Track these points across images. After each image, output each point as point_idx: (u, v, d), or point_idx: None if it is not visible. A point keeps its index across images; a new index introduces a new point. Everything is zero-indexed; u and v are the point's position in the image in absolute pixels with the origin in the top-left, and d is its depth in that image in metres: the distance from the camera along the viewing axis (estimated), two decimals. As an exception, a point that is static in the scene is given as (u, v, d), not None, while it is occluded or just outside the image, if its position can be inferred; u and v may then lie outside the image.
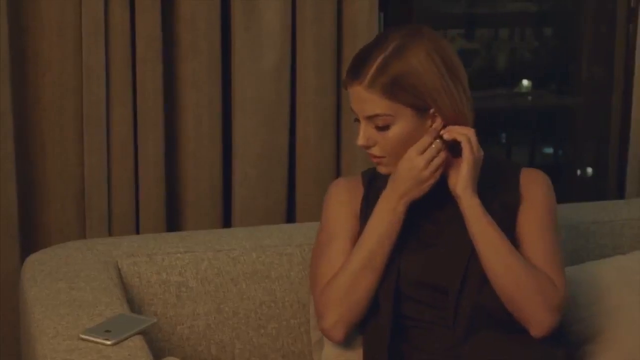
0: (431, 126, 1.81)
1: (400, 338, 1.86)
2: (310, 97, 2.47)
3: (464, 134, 1.79)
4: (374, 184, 1.95)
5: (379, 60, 1.77)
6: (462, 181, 1.80)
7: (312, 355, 2.04)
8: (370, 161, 1.88)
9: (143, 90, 2.35)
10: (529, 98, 3.82)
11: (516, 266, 1.79)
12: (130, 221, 2.40)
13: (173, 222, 2.46)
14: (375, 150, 1.83)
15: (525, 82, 3.80)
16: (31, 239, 2.36)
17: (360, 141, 1.82)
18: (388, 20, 2.61)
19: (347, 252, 1.88)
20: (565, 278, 1.84)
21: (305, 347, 2.07)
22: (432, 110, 1.79)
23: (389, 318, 1.84)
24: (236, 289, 2.06)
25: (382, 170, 1.86)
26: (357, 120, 1.84)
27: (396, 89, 1.77)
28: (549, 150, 4.02)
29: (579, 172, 3.54)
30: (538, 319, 1.80)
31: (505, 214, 1.86)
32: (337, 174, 2.53)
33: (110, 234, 2.38)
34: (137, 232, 2.41)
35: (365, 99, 1.79)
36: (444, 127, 1.81)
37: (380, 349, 1.85)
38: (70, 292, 1.84)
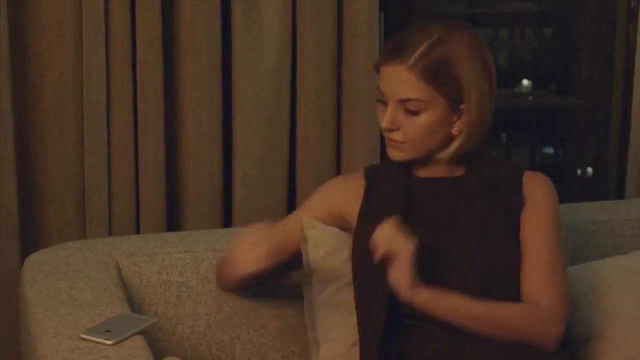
0: (456, 122, 1.81)
1: (400, 337, 1.86)
2: (310, 97, 2.46)
3: (378, 247, 1.75)
4: (376, 181, 1.95)
5: (424, 44, 1.78)
6: (401, 285, 1.75)
7: (311, 355, 2.04)
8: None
9: (143, 91, 2.35)
10: (529, 98, 3.82)
11: (500, 318, 1.78)
12: (130, 221, 2.40)
13: (173, 222, 2.46)
14: (396, 135, 1.82)
15: (525, 82, 3.80)
16: (31, 239, 2.36)
17: (385, 123, 1.81)
18: (388, 20, 2.61)
19: (296, 221, 1.98)
20: (567, 287, 1.83)
21: (306, 347, 2.07)
22: (462, 106, 1.80)
23: (383, 316, 1.83)
24: (237, 288, 2.06)
25: (396, 155, 1.85)
26: (380, 101, 1.84)
27: (437, 75, 1.77)
28: (549, 150, 4.02)
29: (579, 172, 3.54)
30: (542, 345, 1.79)
31: (508, 217, 1.86)
32: (337, 173, 2.53)
33: (110, 234, 2.38)
34: (138, 232, 2.41)
35: (403, 81, 1.78)
36: (461, 128, 1.82)
37: (373, 346, 1.85)
38: (70, 292, 1.83)
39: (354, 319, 1.94)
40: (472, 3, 3.92)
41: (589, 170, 3.49)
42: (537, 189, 1.89)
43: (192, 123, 2.41)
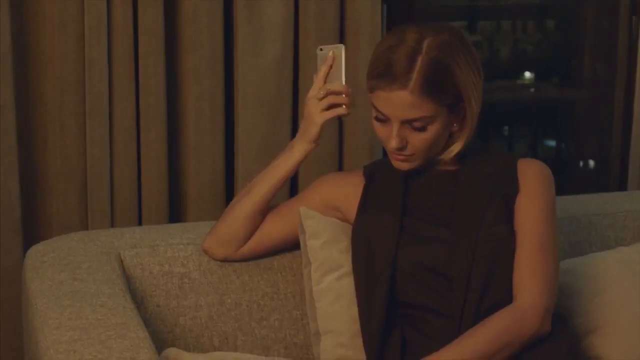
0: (455, 120, 1.82)
1: (404, 326, 1.86)
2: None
3: None
4: (375, 179, 1.95)
5: (418, 61, 1.75)
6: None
7: (312, 347, 2.04)
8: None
9: (145, 84, 2.35)
10: (532, 90, 3.82)
11: (485, 346, 1.76)
12: (132, 215, 2.41)
13: (175, 215, 2.47)
14: (405, 150, 1.82)
15: (527, 74, 3.80)
16: (33, 232, 2.37)
17: (395, 144, 1.80)
18: (390, 14, 2.61)
19: (290, 208, 2.01)
20: (553, 276, 1.82)
21: (308, 338, 2.07)
22: (461, 104, 1.80)
23: (383, 306, 1.84)
24: (239, 280, 2.06)
25: (405, 167, 1.85)
26: (379, 120, 1.82)
27: (437, 88, 1.76)
28: (552, 143, 4.02)
29: (581, 164, 3.54)
30: (534, 337, 1.79)
31: (505, 207, 1.86)
32: (339, 167, 2.53)
33: (112, 227, 2.38)
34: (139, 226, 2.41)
35: (406, 104, 1.76)
36: (461, 124, 1.82)
37: (375, 337, 1.86)
38: (72, 284, 1.83)
39: (354, 310, 1.94)
40: (474, -5, 3.92)
41: (591, 162, 3.49)
42: (531, 175, 1.88)
43: (194, 117, 2.42)
